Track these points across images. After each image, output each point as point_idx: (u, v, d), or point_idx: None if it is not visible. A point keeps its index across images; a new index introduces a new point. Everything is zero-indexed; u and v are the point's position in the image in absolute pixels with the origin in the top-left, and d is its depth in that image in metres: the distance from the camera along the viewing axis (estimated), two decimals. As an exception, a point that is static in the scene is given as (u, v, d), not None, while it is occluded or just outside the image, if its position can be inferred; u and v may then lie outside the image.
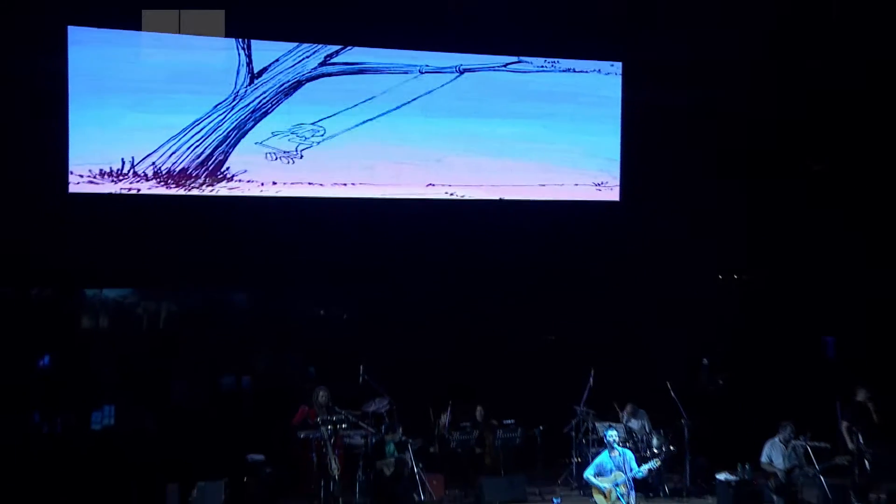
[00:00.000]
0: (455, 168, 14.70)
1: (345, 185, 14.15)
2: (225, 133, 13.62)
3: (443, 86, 14.56)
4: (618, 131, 15.28)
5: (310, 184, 13.99)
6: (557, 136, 15.10)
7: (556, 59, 15.02)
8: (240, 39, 13.59)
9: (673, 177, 15.42)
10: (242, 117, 13.68)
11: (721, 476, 12.40)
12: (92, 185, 13.04)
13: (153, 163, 13.32)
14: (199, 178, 13.56)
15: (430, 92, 14.48)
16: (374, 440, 12.56)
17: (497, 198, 14.88)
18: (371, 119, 14.19)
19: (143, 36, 13.07)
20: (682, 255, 15.33)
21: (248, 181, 13.72)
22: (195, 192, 13.55)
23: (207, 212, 13.66)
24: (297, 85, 13.94)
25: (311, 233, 13.98)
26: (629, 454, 11.16)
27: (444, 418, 13.51)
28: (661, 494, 13.04)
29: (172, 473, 11.96)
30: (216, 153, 13.61)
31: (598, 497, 11.00)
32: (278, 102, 13.84)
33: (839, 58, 14.83)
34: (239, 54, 13.62)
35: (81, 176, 12.99)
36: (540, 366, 14.72)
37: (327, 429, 12.18)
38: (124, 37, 13.07)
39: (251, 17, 13.37)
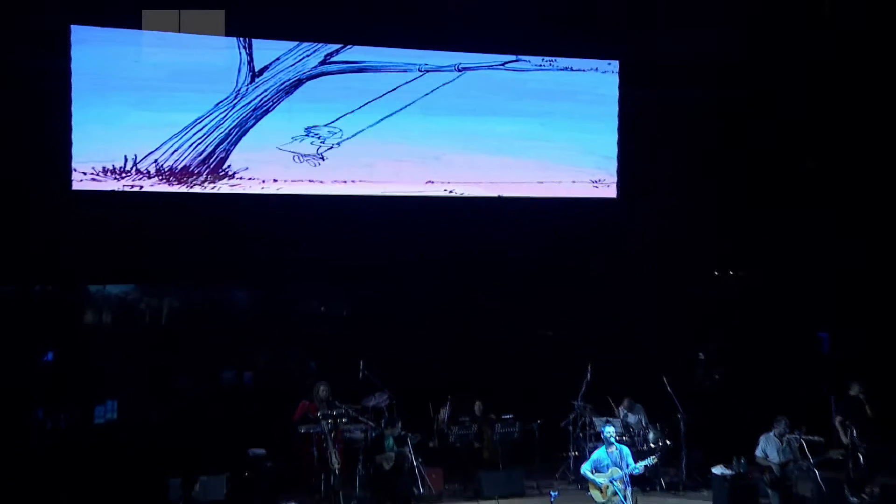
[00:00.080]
0: (454, 165, 14.77)
1: (344, 182, 14.23)
2: (226, 131, 13.69)
3: (442, 84, 14.63)
4: (615, 129, 15.36)
5: (310, 181, 14.07)
6: (555, 133, 15.18)
7: (554, 58, 15.09)
8: (241, 38, 13.65)
9: (669, 174, 15.52)
10: (244, 115, 13.76)
11: (716, 470, 12.43)
12: (95, 183, 13.10)
13: (155, 160, 13.40)
14: (201, 175, 13.64)
15: (429, 90, 14.55)
16: (373, 434, 12.63)
17: (495, 195, 14.95)
18: (371, 118, 14.26)
19: (146, 35, 13.13)
20: (678, 251, 15.42)
21: (250, 178, 13.80)
22: (197, 189, 13.61)
23: (209, 209, 13.72)
24: (298, 83, 14.01)
25: (312, 229, 14.06)
26: (626, 450, 11.15)
27: (443, 413, 13.59)
28: (658, 488, 13.16)
29: (175, 468, 12.05)
30: (218, 151, 13.69)
31: (594, 492, 10.98)
32: (279, 101, 13.91)
33: (836, 56, 14.97)
34: (240, 53, 13.69)
35: (84, 173, 13.05)
36: (538, 361, 14.81)
37: (328, 423, 12.26)
38: (127, 36, 13.12)
39: (252, 16, 13.45)
